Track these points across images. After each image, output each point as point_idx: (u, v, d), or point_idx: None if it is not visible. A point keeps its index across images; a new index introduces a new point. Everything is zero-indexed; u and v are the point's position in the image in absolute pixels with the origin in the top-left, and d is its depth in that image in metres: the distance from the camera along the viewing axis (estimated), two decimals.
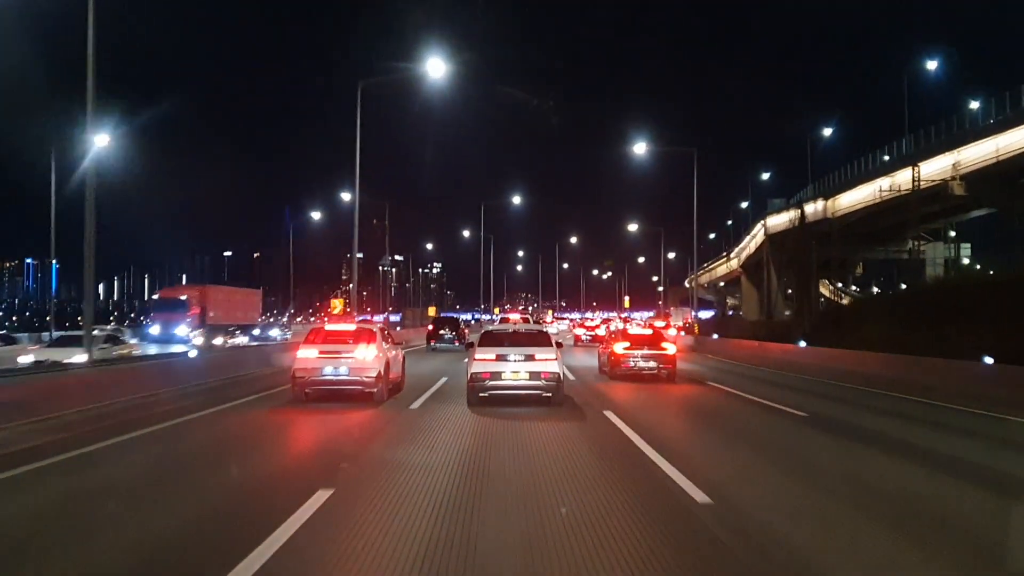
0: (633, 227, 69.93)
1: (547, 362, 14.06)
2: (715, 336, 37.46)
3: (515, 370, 13.96)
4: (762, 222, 74.47)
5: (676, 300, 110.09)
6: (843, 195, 62.17)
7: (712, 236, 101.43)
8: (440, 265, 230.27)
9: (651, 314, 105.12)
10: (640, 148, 38.45)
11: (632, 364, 19.15)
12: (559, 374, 14.19)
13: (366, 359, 14.16)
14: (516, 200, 56.90)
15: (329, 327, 15.74)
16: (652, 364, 19.18)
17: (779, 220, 71.94)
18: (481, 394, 14.10)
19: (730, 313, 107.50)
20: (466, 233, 63.55)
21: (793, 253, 42.52)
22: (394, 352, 16.40)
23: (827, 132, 68.36)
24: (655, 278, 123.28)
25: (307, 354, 14.27)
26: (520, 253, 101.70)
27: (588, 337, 42.22)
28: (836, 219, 64.52)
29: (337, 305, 25.58)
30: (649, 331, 21.95)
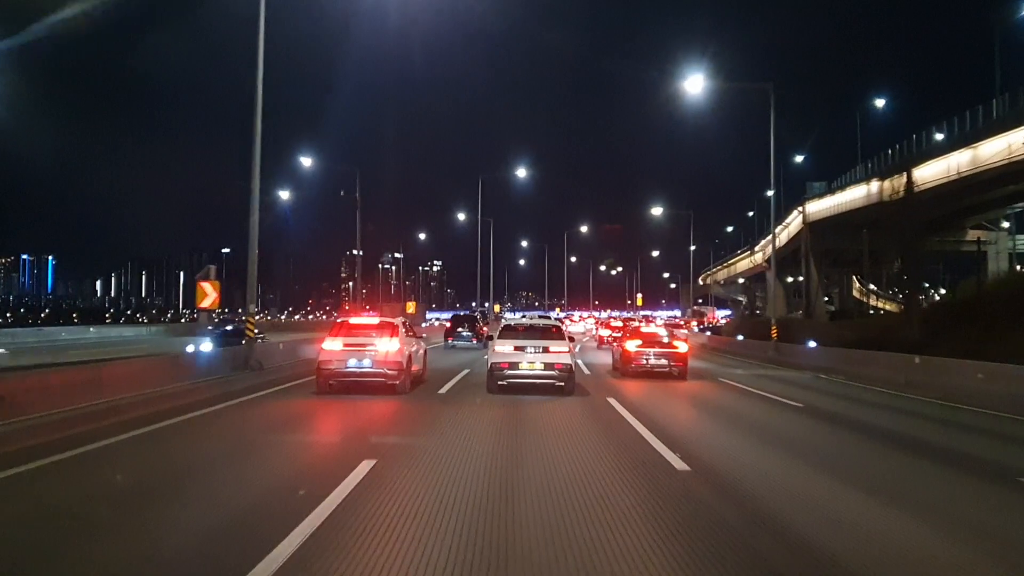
0: (657, 211, 57.70)
1: (561, 354, 14.25)
2: (812, 343, 25.52)
3: (531, 361, 14.16)
4: (799, 209, 62.80)
5: (689, 299, 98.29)
6: (905, 174, 50.00)
7: (730, 229, 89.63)
8: (440, 263, 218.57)
9: (678, 313, 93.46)
10: (695, 84, 26.65)
11: (644, 362, 18.56)
12: (571, 365, 14.42)
13: (389, 352, 13.80)
14: (520, 173, 45.14)
15: (353, 320, 15.14)
16: (664, 362, 18.57)
17: (821, 206, 60.34)
18: (500, 382, 14.31)
19: (747, 313, 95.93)
20: (462, 216, 52.15)
21: (897, 233, 30.57)
22: (416, 346, 15.75)
23: (880, 103, 56.59)
24: (666, 274, 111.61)
25: (332, 346, 13.87)
26: (524, 243, 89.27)
27: (613, 338, 32.47)
28: (895, 203, 52.53)
29: (208, 292, 13.63)
30: (661, 330, 21.38)
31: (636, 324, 34.91)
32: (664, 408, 13.43)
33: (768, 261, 75.62)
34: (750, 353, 30.02)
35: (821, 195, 60.28)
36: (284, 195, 50.34)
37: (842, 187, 57.92)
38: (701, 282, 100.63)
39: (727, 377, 19.87)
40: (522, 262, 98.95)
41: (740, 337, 34.23)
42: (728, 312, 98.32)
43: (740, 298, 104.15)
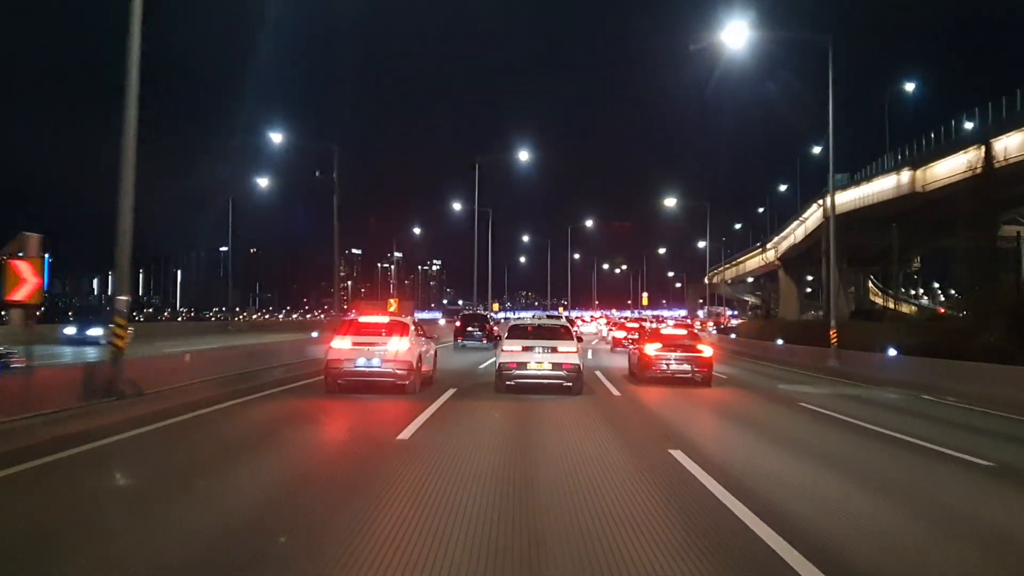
0: (671, 202, 51.95)
1: (568, 354, 13.93)
2: (892, 351, 19.83)
3: (539, 361, 13.84)
4: (818, 202, 57.28)
5: (695, 299, 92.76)
6: (942, 162, 44.72)
7: (738, 226, 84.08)
8: (440, 262, 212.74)
9: (684, 313, 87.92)
10: (737, 35, 21.13)
11: (664, 367, 16.50)
12: (579, 365, 14.02)
13: (399, 351, 13.23)
14: (522, 156, 39.48)
15: (363, 319, 14.49)
16: (686, 367, 16.43)
17: (843, 199, 54.60)
18: (508, 382, 13.95)
19: (760, 313, 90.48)
20: (460, 207, 46.74)
21: (973, 218, 24.93)
22: (426, 346, 15.11)
23: (910, 87, 51.19)
24: (671, 273, 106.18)
25: (340, 345, 13.37)
26: (524, 238, 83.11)
27: (630, 340, 28.67)
28: (926, 194, 47.31)
29: (25, 277, 8.13)
30: (683, 331, 19.39)
31: (654, 325, 30.08)
32: (770, 469, 7.95)
33: (782, 259, 70.18)
34: (798, 361, 24.46)
35: (844, 187, 54.66)
36: (263, 182, 45.07)
37: (868, 178, 52.44)
38: (707, 281, 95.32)
39: (804, 399, 14.39)
40: (522, 259, 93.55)
41: (780, 342, 28.61)
42: (731, 312, 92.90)
43: (747, 298, 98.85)
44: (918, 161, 46.88)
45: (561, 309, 76.83)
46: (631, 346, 21.20)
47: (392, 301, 28.73)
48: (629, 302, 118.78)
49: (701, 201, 52.52)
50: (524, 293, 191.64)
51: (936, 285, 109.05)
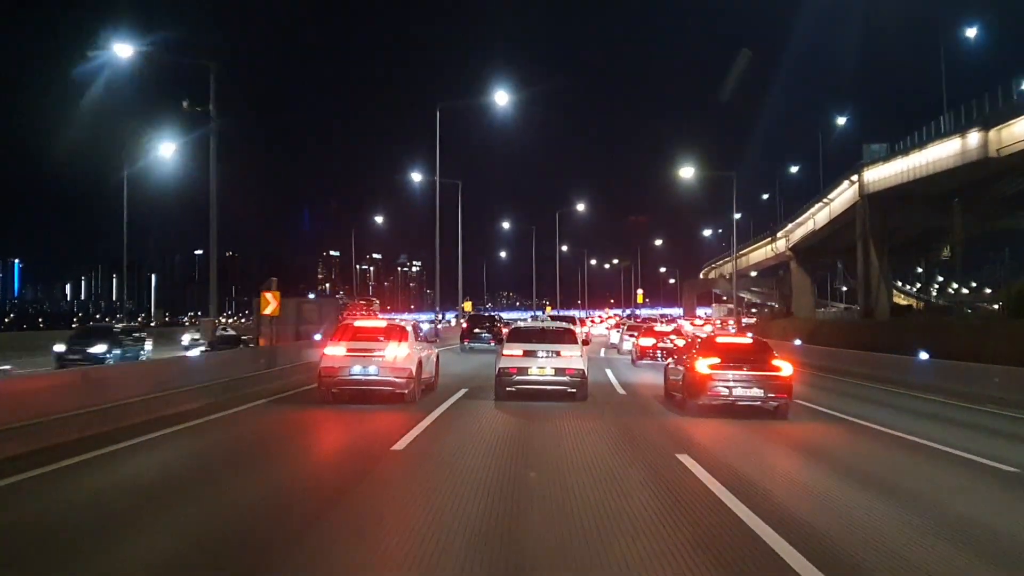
0: (687, 172, 39.96)
1: (572, 359, 12.88)
2: None
3: (541, 366, 12.81)
4: (851, 179, 46.16)
5: (692, 296, 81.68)
6: None
7: (738, 216, 72.81)
8: (419, 263, 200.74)
9: (679, 312, 76.76)
10: None
11: (724, 391, 11.62)
12: (583, 370, 12.94)
13: (397, 358, 12.23)
14: (500, 98, 28.16)
15: (358, 324, 13.58)
16: (757, 393, 11.53)
17: (886, 172, 43.59)
18: (508, 388, 12.94)
19: (766, 311, 79.67)
20: (417, 177, 35.20)
21: None
22: (427, 351, 14.18)
23: (971, 32, 40.23)
24: (663, 269, 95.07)
25: (335, 352, 12.35)
26: (505, 225, 70.99)
27: (663, 350, 21.69)
28: (1002, 160, 36.16)
29: None
30: (748, 340, 13.97)
31: (710, 331, 19.95)
32: None
33: (794, 249, 59.13)
34: (982, 391, 13.24)
35: (885, 158, 43.53)
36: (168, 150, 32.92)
37: (919, 145, 41.06)
38: (702, 276, 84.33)
39: None
40: (503, 254, 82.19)
41: (924, 355, 17.43)
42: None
43: (743, 295, 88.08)
44: (991, 120, 35.71)
45: (549, 308, 65.34)
46: (668, 359, 16.32)
47: (269, 296, 16.92)
48: (612, 300, 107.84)
49: (726, 172, 40.85)
50: (505, 293, 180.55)
51: (939, 279, 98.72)
